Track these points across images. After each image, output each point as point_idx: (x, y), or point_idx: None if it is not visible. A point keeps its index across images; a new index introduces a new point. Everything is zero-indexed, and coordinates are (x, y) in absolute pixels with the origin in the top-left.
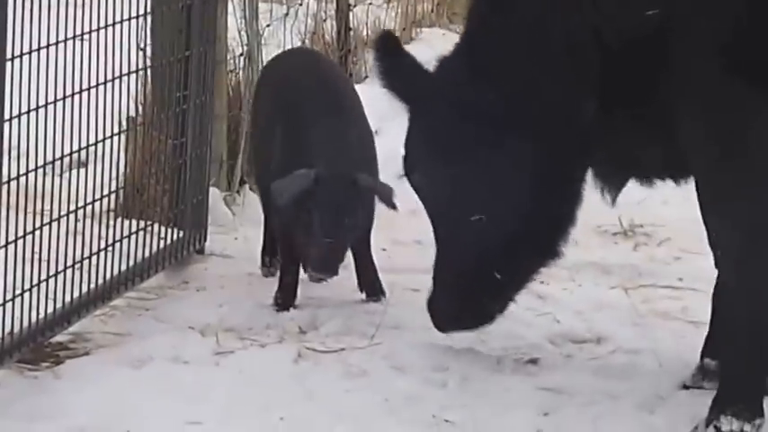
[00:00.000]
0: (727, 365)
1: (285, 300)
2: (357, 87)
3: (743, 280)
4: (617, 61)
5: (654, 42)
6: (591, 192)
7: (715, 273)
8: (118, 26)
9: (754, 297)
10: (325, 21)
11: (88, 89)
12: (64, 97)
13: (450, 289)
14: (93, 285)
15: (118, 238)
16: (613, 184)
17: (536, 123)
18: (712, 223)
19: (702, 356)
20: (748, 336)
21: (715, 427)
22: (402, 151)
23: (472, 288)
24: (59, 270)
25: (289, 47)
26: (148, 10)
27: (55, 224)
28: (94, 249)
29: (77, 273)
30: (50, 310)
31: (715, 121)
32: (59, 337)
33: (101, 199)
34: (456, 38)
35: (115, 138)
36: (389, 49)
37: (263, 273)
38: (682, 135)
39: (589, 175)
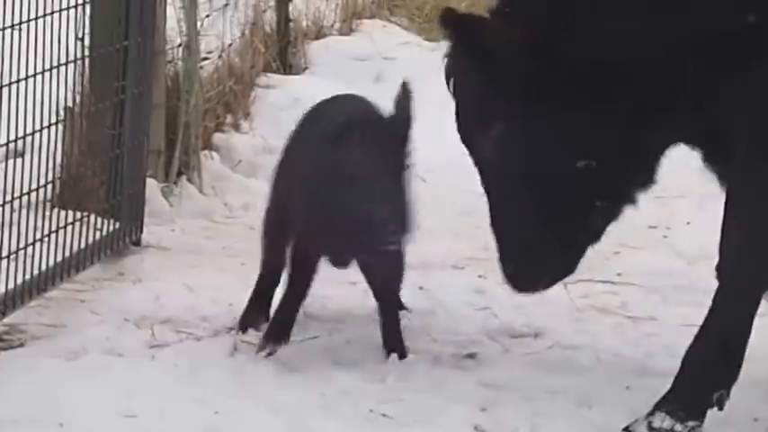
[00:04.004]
0: (687, 364)
1: (281, 337)
2: (296, 79)
3: (740, 281)
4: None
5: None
6: None
7: (653, 267)
8: (56, 15)
9: (743, 300)
10: (264, 11)
11: (26, 79)
12: (1, 87)
13: (530, 246)
14: (28, 276)
15: (54, 228)
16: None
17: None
18: (738, 214)
19: None
20: (719, 338)
21: (648, 422)
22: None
23: (553, 243)
24: None
25: (228, 37)
26: (87, 0)
27: None
28: (30, 240)
29: (12, 263)
30: None
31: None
32: None
33: (37, 189)
34: (397, 30)
35: (52, 128)
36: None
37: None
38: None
39: None
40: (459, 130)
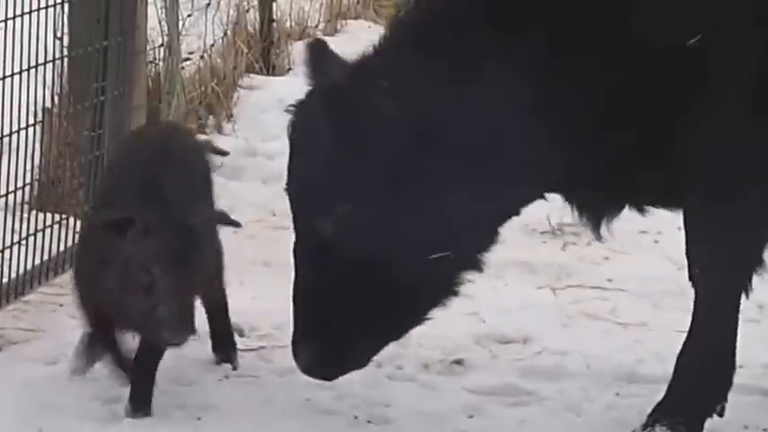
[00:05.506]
0: (681, 374)
1: (144, 406)
2: (279, 80)
3: (716, 290)
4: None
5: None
6: None
7: (643, 273)
8: (35, 14)
9: (723, 305)
10: (247, 11)
11: (3, 78)
12: None
13: (343, 330)
14: (5, 280)
15: (32, 231)
16: (608, 214)
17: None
18: (702, 235)
19: None
20: (712, 352)
21: None
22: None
23: (364, 328)
24: None
25: (210, 37)
26: None
27: None
28: (8, 243)
29: None
30: None
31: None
32: None
33: (15, 191)
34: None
35: (30, 129)
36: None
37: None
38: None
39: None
40: (293, 191)
